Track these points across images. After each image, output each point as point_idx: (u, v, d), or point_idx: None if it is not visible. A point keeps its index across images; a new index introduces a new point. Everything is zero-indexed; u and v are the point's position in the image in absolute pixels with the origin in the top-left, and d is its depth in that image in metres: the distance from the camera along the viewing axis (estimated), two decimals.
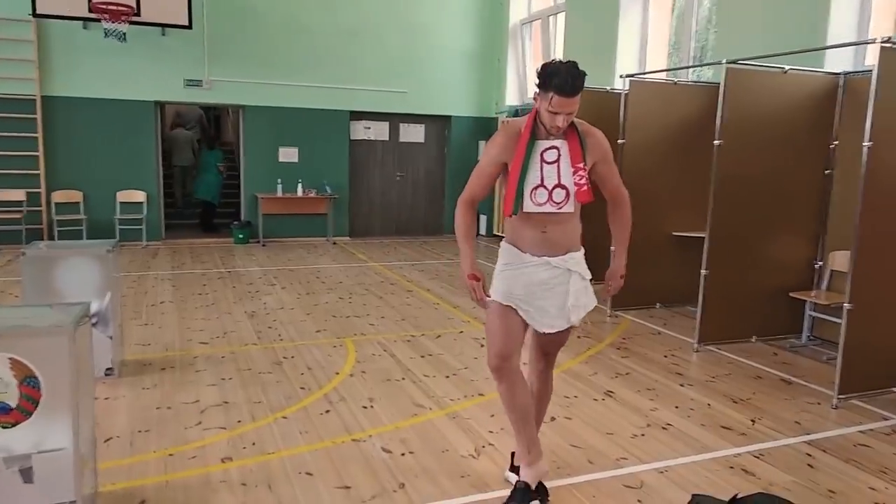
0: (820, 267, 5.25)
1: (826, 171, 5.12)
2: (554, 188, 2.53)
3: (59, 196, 9.16)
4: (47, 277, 3.98)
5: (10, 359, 2.28)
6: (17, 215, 8.80)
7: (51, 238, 9.01)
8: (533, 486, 2.70)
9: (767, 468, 3.15)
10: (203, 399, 3.85)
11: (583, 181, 2.54)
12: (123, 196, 9.50)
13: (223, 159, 10.95)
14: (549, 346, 2.81)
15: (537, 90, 2.47)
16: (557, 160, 2.53)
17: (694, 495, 2.80)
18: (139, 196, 9.57)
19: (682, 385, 4.29)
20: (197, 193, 10.95)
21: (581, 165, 2.54)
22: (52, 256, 4.02)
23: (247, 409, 3.71)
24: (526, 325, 2.66)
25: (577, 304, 2.64)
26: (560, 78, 2.36)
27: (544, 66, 2.44)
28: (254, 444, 3.28)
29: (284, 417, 3.61)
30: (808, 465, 3.21)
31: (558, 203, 2.54)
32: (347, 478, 2.96)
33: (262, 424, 3.51)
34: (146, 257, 8.66)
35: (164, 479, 2.93)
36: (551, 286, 2.60)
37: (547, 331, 2.64)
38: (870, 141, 3.70)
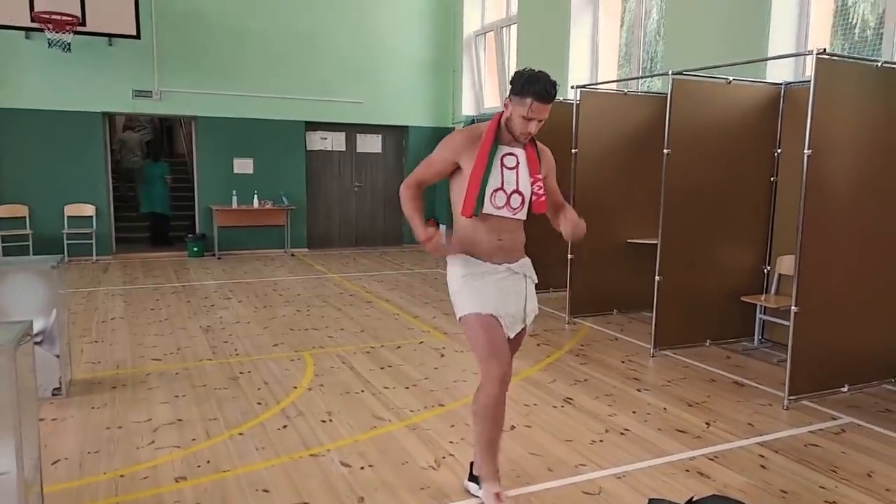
0: (768, 271, 5.40)
1: (772, 179, 5.29)
2: (512, 193, 2.60)
3: (3, 211, 8.86)
4: None
5: None
6: None
7: None
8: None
9: (722, 470, 3.22)
10: (156, 417, 3.75)
11: (541, 191, 2.66)
12: (72, 210, 9.23)
13: (169, 171, 10.78)
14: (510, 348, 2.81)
15: (510, 96, 2.55)
16: (516, 167, 2.61)
17: (651, 500, 2.84)
18: (88, 210, 9.31)
19: (639, 390, 4.35)
20: (144, 207, 10.72)
21: (539, 176, 2.66)
22: None
23: (201, 427, 3.62)
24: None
25: (533, 307, 2.76)
26: (540, 85, 2.47)
27: (520, 74, 2.53)
28: (208, 461, 3.20)
29: (240, 434, 3.54)
30: (761, 465, 3.28)
31: (514, 208, 2.62)
32: (305, 493, 2.91)
33: (218, 442, 3.44)
34: (96, 272, 8.42)
35: (114, 501, 2.83)
36: (513, 292, 2.67)
37: (510, 335, 2.68)
38: (809, 149, 3.83)
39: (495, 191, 2.58)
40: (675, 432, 3.67)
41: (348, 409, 3.90)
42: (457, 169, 2.65)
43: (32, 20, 7.88)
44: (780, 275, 5.29)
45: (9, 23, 7.97)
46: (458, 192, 2.64)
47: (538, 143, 2.72)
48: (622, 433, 3.64)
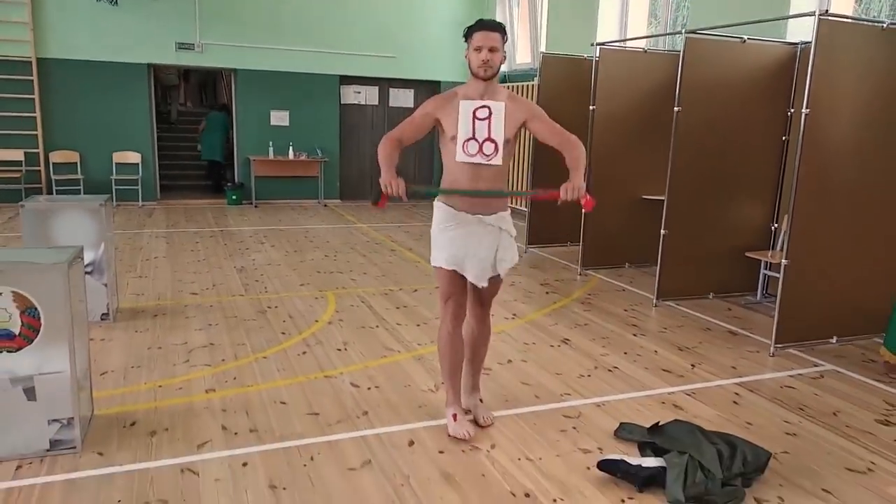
0: (776, 229, 5.56)
1: (783, 138, 5.40)
2: (484, 141, 2.85)
3: (56, 156, 9.43)
4: (45, 229, 4.28)
5: (13, 292, 2.61)
6: (16, 174, 9.07)
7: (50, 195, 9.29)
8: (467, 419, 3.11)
9: (696, 404, 3.51)
10: (191, 341, 4.20)
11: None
12: (119, 157, 9.77)
13: (228, 121, 11.10)
14: (484, 295, 3.12)
15: (466, 50, 2.85)
16: (488, 117, 2.84)
17: (621, 423, 3.16)
18: (134, 157, 9.84)
19: (635, 335, 4.63)
20: (204, 154, 11.31)
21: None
22: (49, 209, 4.32)
23: (230, 350, 4.06)
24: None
25: (504, 258, 2.97)
26: (479, 22, 2.85)
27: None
28: (235, 378, 3.63)
29: (265, 357, 3.96)
30: (734, 402, 3.56)
31: (488, 155, 2.86)
32: (317, 406, 3.31)
33: (244, 363, 3.86)
34: (142, 217, 8.97)
35: (152, 405, 3.28)
36: (484, 242, 2.92)
37: (481, 284, 2.94)
38: (807, 108, 3.97)
39: (467, 140, 2.83)
40: (661, 371, 3.96)
41: (362, 341, 4.29)
42: (440, 128, 2.91)
43: None
44: (785, 232, 5.44)
45: None
46: (443, 148, 2.95)
47: (511, 93, 2.94)
48: (610, 370, 3.95)
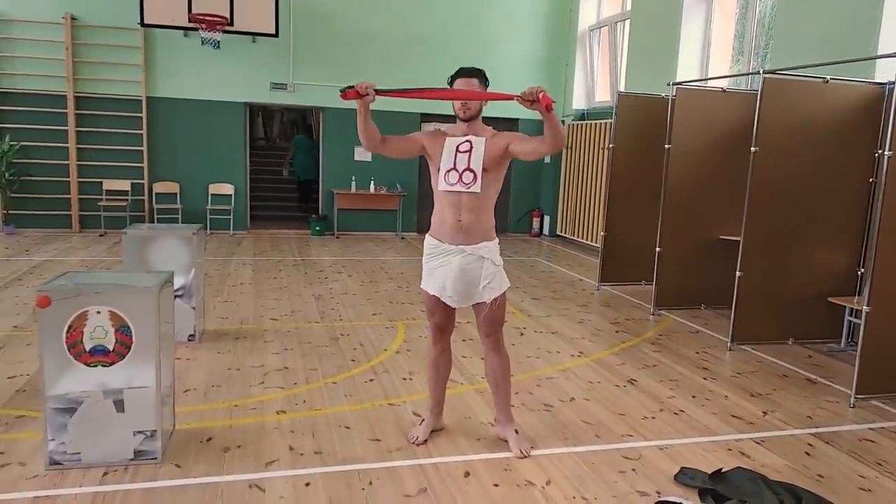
0: (862, 274, 5.31)
1: (870, 180, 5.19)
2: (464, 171, 3.06)
3: (159, 187, 10.16)
4: (143, 254, 4.66)
5: (109, 311, 2.88)
6: (123, 203, 9.84)
7: (152, 223, 10.01)
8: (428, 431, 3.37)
9: (764, 453, 3.40)
10: (267, 364, 4.43)
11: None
12: (214, 188, 10.41)
13: (316, 146, 12.03)
14: (483, 325, 3.24)
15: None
16: (469, 150, 3.06)
17: (682, 468, 3.11)
18: (228, 189, 10.46)
19: (705, 379, 4.52)
20: (299, 176, 12.43)
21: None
22: (148, 236, 4.70)
23: (303, 374, 4.25)
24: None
25: (491, 285, 3.13)
26: (460, 70, 3.10)
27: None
28: (304, 401, 3.81)
29: (334, 383, 4.13)
30: (806, 452, 3.43)
31: (467, 183, 3.06)
32: (380, 433, 3.43)
33: (314, 387, 4.04)
34: (232, 245, 9.50)
35: (228, 423, 3.49)
36: (467, 270, 3.10)
37: (461, 305, 3.17)
38: (891, 150, 3.84)
39: (448, 170, 3.07)
40: (730, 417, 3.85)
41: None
42: (427, 158, 3.18)
43: (189, 21, 9.00)
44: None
45: (171, 23, 9.15)
46: (432, 180, 3.19)
47: (499, 132, 3.14)
48: (676, 413, 3.88)
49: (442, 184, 3.10)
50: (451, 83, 3.10)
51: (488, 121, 3.19)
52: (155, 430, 3.02)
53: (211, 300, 6.03)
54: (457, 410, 3.76)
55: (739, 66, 7.96)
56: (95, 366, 2.92)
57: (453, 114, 3.14)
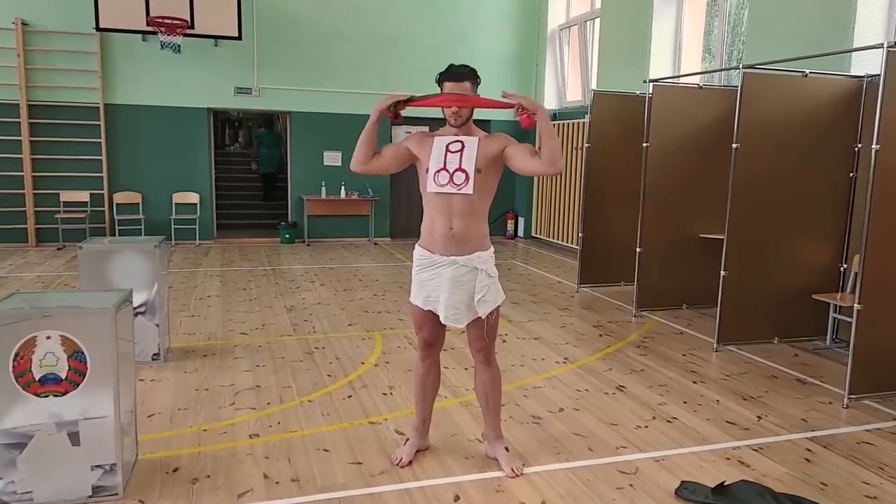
0: (844, 269, 5.25)
1: (850, 174, 5.13)
2: (455, 171, 2.85)
3: (119, 197, 9.77)
4: (101, 269, 4.37)
5: (61, 336, 2.62)
6: (82, 214, 9.43)
7: (112, 236, 9.62)
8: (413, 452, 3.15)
9: (764, 461, 3.26)
10: (238, 383, 4.18)
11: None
12: (179, 197, 10.06)
13: (280, 139, 12.38)
14: (475, 339, 3.03)
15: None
16: (461, 150, 2.86)
17: (683, 482, 2.95)
18: (193, 198, 10.11)
19: (695, 382, 4.39)
20: (261, 169, 12.51)
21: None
22: (106, 250, 4.41)
23: (276, 393, 4.01)
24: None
25: (486, 298, 2.92)
26: (449, 70, 2.86)
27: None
28: (279, 423, 3.57)
29: (310, 401, 3.90)
30: (806, 459, 3.30)
31: (458, 185, 2.85)
32: (360, 455, 3.21)
33: (289, 407, 3.81)
34: (198, 255, 9.16)
35: (197, 450, 3.24)
36: (460, 283, 2.89)
37: (455, 325, 2.95)
38: (877, 144, 3.75)
39: (438, 171, 2.85)
40: (724, 423, 3.72)
41: (408, 385, 4.17)
42: (416, 163, 2.96)
43: (148, 24, 8.67)
44: (856, 273, 5.13)
45: (128, 27, 8.79)
46: (420, 184, 2.98)
47: (491, 134, 2.96)
48: (669, 421, 3.73)
49: (431, 185, 2.87)
50: (438, 82, 2.88)
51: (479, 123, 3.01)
52: (115, 464, 2.76)
53: (176, 315, 5.74)
54: (442, 427, 3.55)
55: (707, 64, 7.91)
56: (47, 396, 2.66)
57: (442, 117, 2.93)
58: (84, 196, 9.57)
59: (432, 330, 3.06)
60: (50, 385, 2.65)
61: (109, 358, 2.69)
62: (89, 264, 4.37)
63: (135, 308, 4.47)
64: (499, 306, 3.01)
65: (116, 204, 9.74)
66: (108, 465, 2.75)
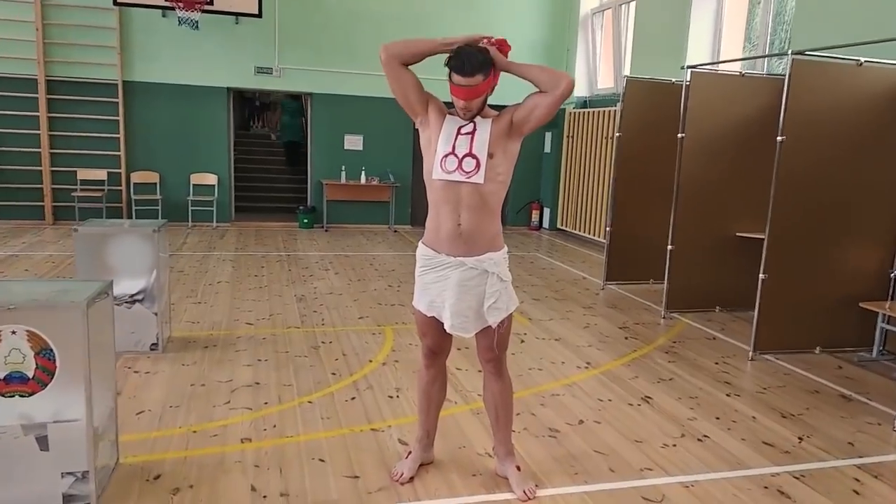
0: (895, 276, 4.84)
1: None
2: (464, 157, 2.51)
3: (137, 177, 9.61)
4: (98, 253, 4.16)
5: (27, 331, 2.37)
6: (99, 193, 9.29)
7: (129, 216, 9.48)
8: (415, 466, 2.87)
9: (806, 491, 2.92)
10: (237, 378, 3.93)
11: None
12: (196, 178, 9.87)
13: (303, 108, 12.11)
14: (485, 349, 2.73)
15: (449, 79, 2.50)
16: (472, 132, 2.53)
17: None
18: (211, 179, 9.92)
19: (728, 395, 4.04)
20: (284, 137, 12.62)
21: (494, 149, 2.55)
22: (103, 234, 4.19)
23: (275, 392, 3.76)
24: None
25: (496, 305, 2.60)
26: (457, 59, 2.42)
27: (454, 50, 2.48)
28: (275, 426, 3.31)
29: (310, 402, 3.64)
30: (854, 490, 2.95)
31: (467, 172, 2.51)
32: (358, 467, 2.94)
33: (287, 408, 3.55)
34: (214, 238, 8.97)
35: (183, 454, 2.99)
36: (468, 287, 2.57)
37: (462, 334, 2.64)
38: None
39: (446, 155, 2.52)
40: (761, 444, 3.37)
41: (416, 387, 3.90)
42: (424, 123, 2.62)
43: None
44: None
45: (147, 1, 8.57)
46: (424, 166, 2.63)
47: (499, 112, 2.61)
48: (700, 440, 3.39)
49: (437, 171, 2.54)
50: (449, 67, 2.45)
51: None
52: (87, 471, 2.52)
53: (182, 302, 5.52)
54: (449, 438, 3.27)
55: (748, 53, 7.44)
56: (12, 396, 2.42)
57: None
58: (101, 174, 9.42)
59: (437, 337, 2.76)
60: (15, 384, 2.41)
61: (80, 356, 2.44)
62: (86, 249, 4.16)
63: (132, 295, 4.29)
64: (511, 314, 2.69)
65: (134, 184, 9.59)
66: (80, 473, 2.51)
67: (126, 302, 4.23)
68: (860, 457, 3.28)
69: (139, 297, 4.25)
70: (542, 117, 2.55)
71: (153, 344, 4.31)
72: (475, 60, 2.42)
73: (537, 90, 2.55)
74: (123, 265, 4.18)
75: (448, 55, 2.48)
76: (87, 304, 2.43)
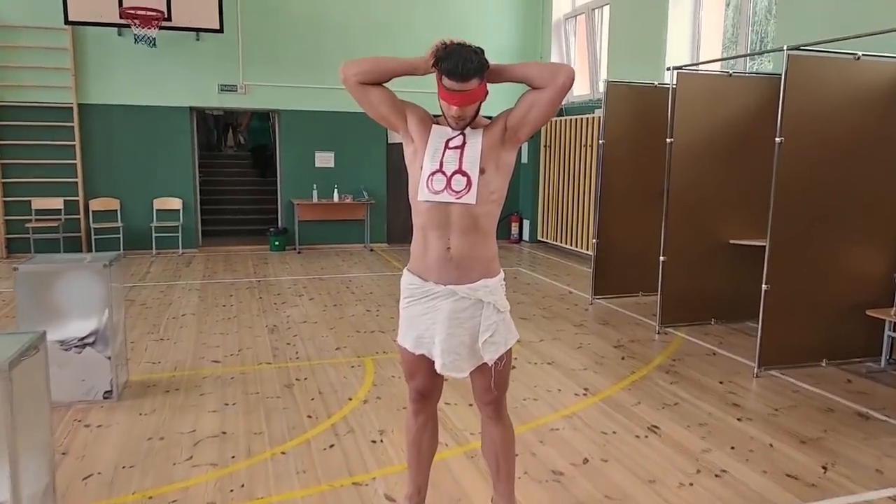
0: None
1: None
2: (453, 174, 2.19)
3: (96, 204, 9.12)
4: (43, 294, 3.75)
5: None
6: (55, 223, 8.78)
7: (89, 247, 8.98)
8: None
9: None
10: (200, 429, 3.53)
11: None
12: (160, 203, 9.41)
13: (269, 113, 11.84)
14: (481, 392, 2.39)
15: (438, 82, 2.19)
16: (462, 146, 2.21)
17: None
18: (175, 203, 9.46)
19: (739, 419, 3.74)
20: (251, 143, 12.48)
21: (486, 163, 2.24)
22: (47, 272, 3.77)
23: (244, 442, 3.36)
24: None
25: (493, 339, 2.26)
26: (451, 61, 2.11)
27: (444, 48, 2.15)
28: (243, 486, 2.92)
29: (283, 453, 3.25)
30: None
31: (457, 191, 2.19)
32: None
33: (258, 461, 3.16)
34: (180, 266, 8.52)
35: None
36: (461, 320, 2.24)
37: (455, 375, 2.28)
38: None
39: (433, 174, 2.21)
40: (784, 477, 3.06)
41: (402, 427, 3.51)
42: (406, 138, 2.33)
43: (121, 16, 8.01)
44: None
45: (100, 20, 8.13)
46: (409, 182, 2.32)
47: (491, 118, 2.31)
48: (717, 475, 3.07)
49: (423, 192, 2.22)
50: (440, 70, 2.15)
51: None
52: None
53: (143, 339, 5.10)
54: (441, 488, 2.91)
55: (730, 53, 7.25)
56: None
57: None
58: (58, 203, 8.91)
59: (427, 379, 2.41)
60: None
61: (3, 431, 2.04)
62: (28, 289, 3.74)
63: (83, 338, 3.87)
64: (510, 349, 2.35)
65: (93, 211, 9.08)
66: None
67: (75, 346, 3.82)
68: (892, 486, 2.99)
69: (90, 339, 3.84)
70: (541, 117, 2.23)
71: (107, 391, 3.89)
72: (472, 62, 2.10)
73: (531, 88, 2.22)
74: (72, 305, 3.77)
75: (439, 55, 2.16)
76: (9, 366, 2.03)
